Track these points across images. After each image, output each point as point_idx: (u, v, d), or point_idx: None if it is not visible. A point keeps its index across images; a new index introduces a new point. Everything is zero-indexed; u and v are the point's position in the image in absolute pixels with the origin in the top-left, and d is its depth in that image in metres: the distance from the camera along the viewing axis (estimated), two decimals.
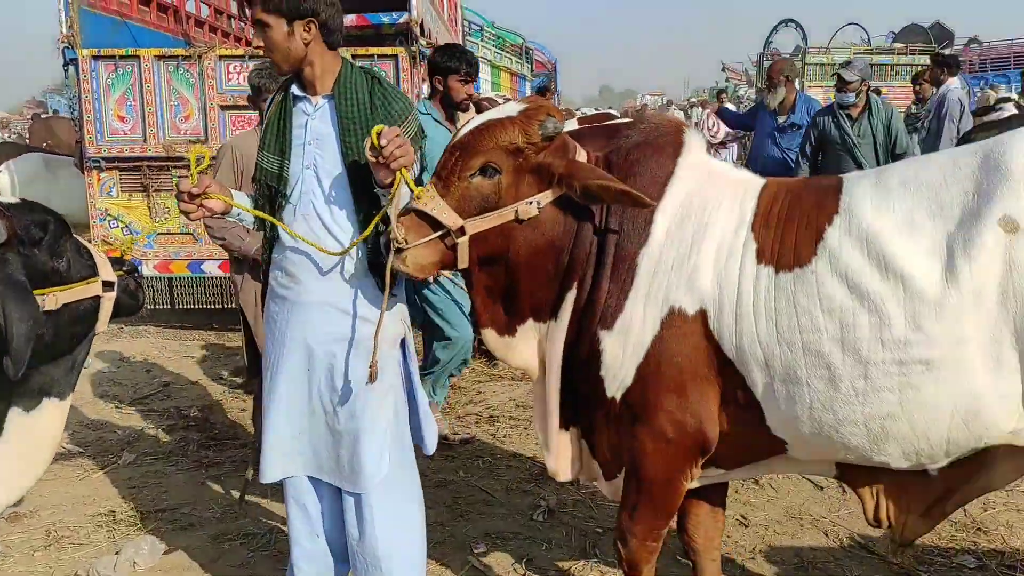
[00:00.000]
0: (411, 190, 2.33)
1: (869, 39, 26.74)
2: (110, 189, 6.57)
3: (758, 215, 2.33)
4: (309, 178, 2.53)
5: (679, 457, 2.39)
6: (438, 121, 4.51)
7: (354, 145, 2.45)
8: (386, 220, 2.37)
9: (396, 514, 2.63)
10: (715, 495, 2.72)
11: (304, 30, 2.43)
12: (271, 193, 2.57)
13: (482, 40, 13.89)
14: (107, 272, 2.33)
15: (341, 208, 2.52)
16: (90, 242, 2.79)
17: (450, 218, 2.32)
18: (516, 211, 2.36)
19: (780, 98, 6.73)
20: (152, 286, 6.79)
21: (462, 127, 2.48)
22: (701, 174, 2.44)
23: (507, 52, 15.28)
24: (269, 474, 2.64)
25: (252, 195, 2.68)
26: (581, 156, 2.46)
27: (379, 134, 2.25)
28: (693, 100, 24.67)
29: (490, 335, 2.53)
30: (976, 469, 2.27)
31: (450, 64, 4.46)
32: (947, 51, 25.58)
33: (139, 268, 2.56)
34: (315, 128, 2.53)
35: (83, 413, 5.22)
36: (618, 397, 2.40)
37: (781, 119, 6.77)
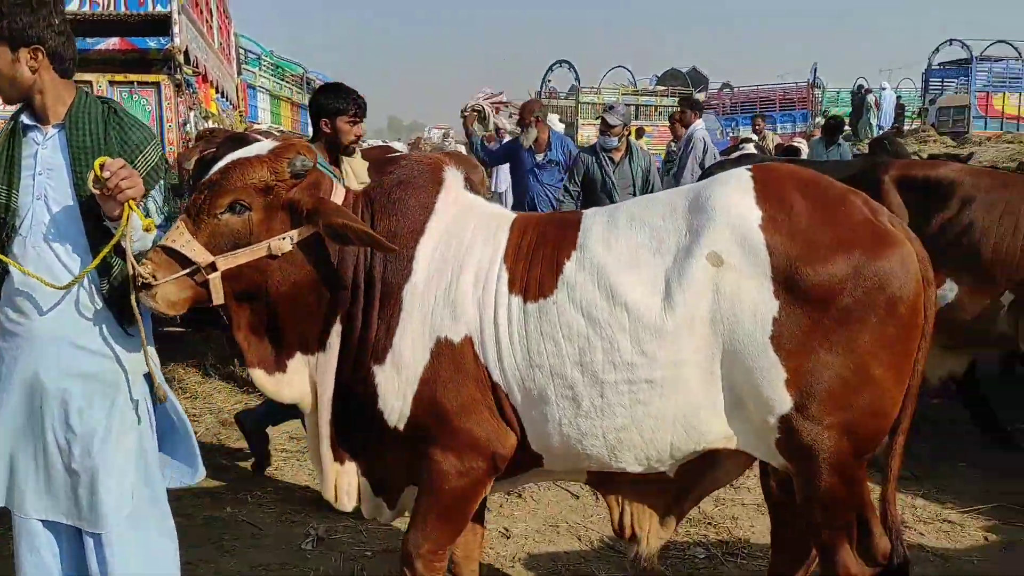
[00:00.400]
0: (141, 222, 2.33)
1: (635, 81, 28.87)
2: None
3: (509, 247, 2.51)
4: (40, 209, 2.44)
5: (476, 475, 2.51)
6: (323, 166, 4.28)
7: (85, 176, 2.40)
8: (119, 251, 2.35)
9: (145, 551, 2.57)
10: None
11: (30, 58, 2.38)
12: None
13: (260, 69, 13.62)
14: None
15: (73, 240, 2.45)
16: None
17: (199, 254, 2.34)
18: (268, 247, 2.40)
19: (533, 137, 7.08)
20: None
21: (219, 166, 2.48)
22: (459, 209, 2.59)
23: (287, 82, 15.07)
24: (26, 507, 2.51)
25: None
26: (338, 193, 2.55)
27: (102, 166, 2.25)
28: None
29: (259, 375, 2.53)
30: (705, 470, 2.58)
31: (338, 105, 4.17)
32: (702, 94, 28.07)
33: None
34: (45, 158, 2.46)
35: None
36: (401, 427, 2.50)
37: (539, 156, 7.11)
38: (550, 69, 26.75)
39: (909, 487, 4.26)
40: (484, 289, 2.47)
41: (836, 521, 2.44)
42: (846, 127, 15.17)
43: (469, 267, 2.48)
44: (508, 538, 3.83)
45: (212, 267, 2.35)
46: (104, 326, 2.49)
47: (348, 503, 2.67)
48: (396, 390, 2.48)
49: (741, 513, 4.07)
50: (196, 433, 2.73)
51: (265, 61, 14.13)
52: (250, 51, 13.42)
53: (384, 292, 2.48)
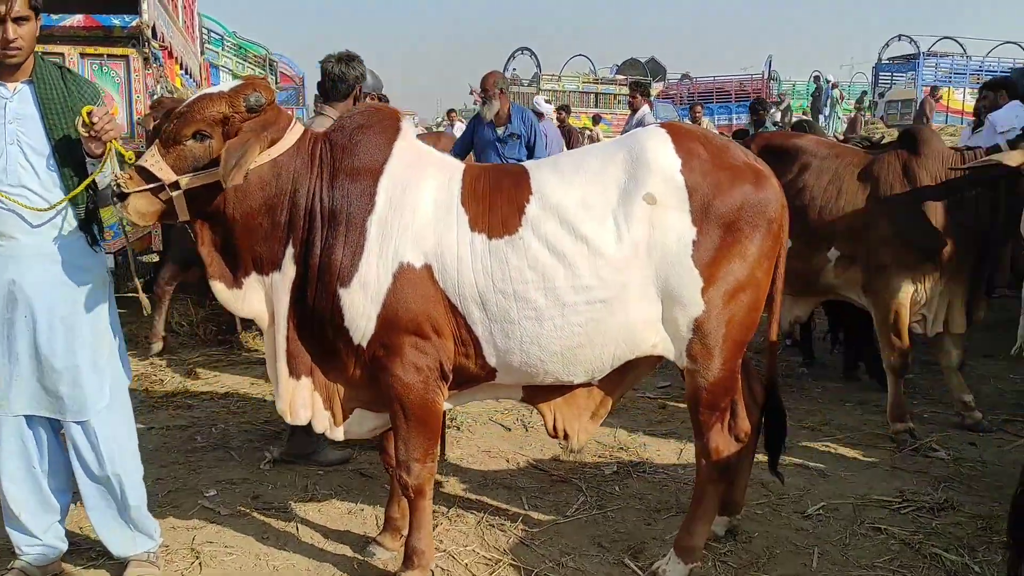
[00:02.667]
0: (121, 157, 2.81)
1: (595, 70, 29.44)
2: None
3: (465, 191, 2.89)
4: (14, 153, 2.85)
5: (430, 384, 2.90)
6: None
7: (57, 124, 2.86)
8: (94, 188, 2.86)
9: (118, 438, 3.07)
10: None
11: (39, 24, 2.85)
12: None
13: (222, 49, 13.90)
14: None
15: (49, 179, 2.89)
16: None
17: (164, 173, 2.70)
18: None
19: (495, 109, 6.95)
20: None
21: (188, 99, 2.87)
22: (414, 154, 2.95)
23: (250, 63, 15.33)
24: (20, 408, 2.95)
25: None
26: (296, 131, 2.89)
27: (89, 113, 2.75)
28: (440, 122, 25.68)
29: (220, 287, 2.88)
30: (624, 374, 3.09)
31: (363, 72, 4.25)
32: (660, 84, 28.71)
33: None
34: (15, 109, 2.87)
35: None
36: (364, 344, 2.86)
37: (500, 130, 6.99)
38: (512, 56, 27.24)
39: (803, 421, 4.86)
40: (444, 225, 2.83)
41: (718, 405, 2.99)
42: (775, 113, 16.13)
43: (426, 202, 2.84)
44: (444, 461, 4.33)
45: (176, 185, 2.71)
46: (79, 244, 2.96)
47: (302, 416, 3.00)
48: (362, 311, 2.82)
49: (650, 441, 4.63)
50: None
51: (228, 42, 14.40)
52: (213, 31, 13.69)
53: (348, 223, 2.81)
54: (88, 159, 2.87)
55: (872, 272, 4.60)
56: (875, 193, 4.58)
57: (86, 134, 2.78)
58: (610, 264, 2.81)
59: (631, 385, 3.27)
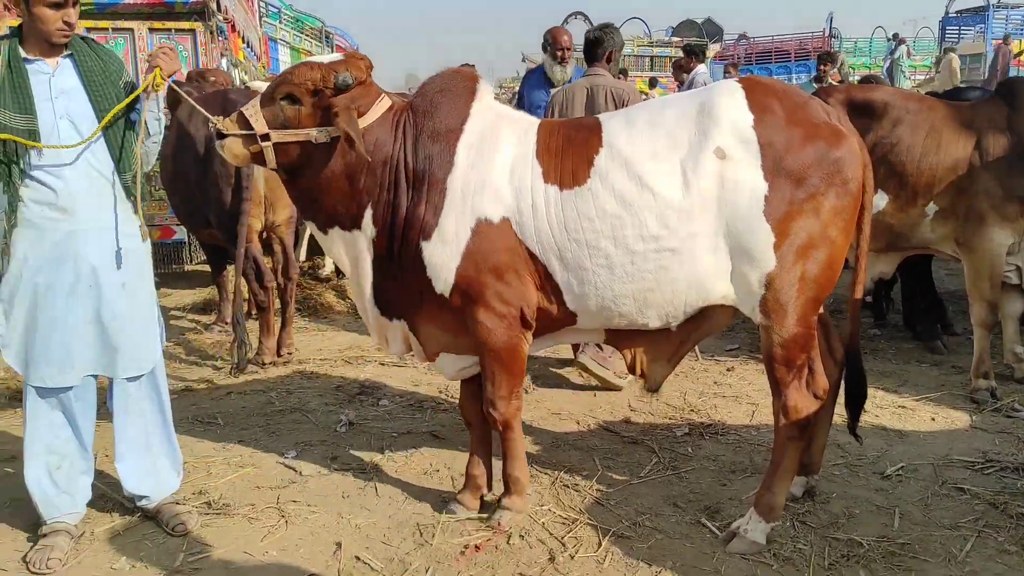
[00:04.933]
0: (155, 84, 3.02)
1: (650, 33, 28.94)
2: None
3: (539, 146, 3.04)
4: (65, 128, 2.99)
5: (512, 328, 3.08)
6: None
7: (101, 92, 3.03)
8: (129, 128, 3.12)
9: (165, 387, 3.34)
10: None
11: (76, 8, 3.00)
12: (16, 147, 2.91)
13: (280, 22, 14.04)
14: None
15: (100, 145, 3.05)
16: None
17: (259, 124, 2.96)
18: (309, 134, 2.97)
19: (570, 72, 6.18)
20: None
21: (294, 65, 3.12)
22: (491, 114, 3.11)
23: (306, 35, 15.47)
24: (65, 379, 3.07)
25: None
26: (383, 104, 3.08)
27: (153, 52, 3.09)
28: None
29: (313, 228, 3.22)
30: (700, 322, 3.15)
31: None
32: (717, 45, 28.12)
33: None
34: (59, 84, 3.01)
35: None
36: (447, 293, 3.06)
37: None
38: (565, 21, 26.87)
39: (879, 382, 4.78)
40: (520, 179, 2.99)
41: (794, 362, 2.99)
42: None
43: (504, 161, 3.01)
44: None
45: (266, 137, 2.96)
46: (127, 213, 3.13)
47: (395, 349, 3.35)
48: (443, 261, 3.02)
49: (721, 403, 4.61)
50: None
51: (285, 15, 14.53)
52: (271, 4, 13.82)
53: (430, 183, 3.02)
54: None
55: (969, 225, 4.52)
56: (979, 146, 4.49)
57: (147, 65, 3.07)
58: (677, 214, 2.88)
59: (708, 333, 3.29)
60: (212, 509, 3.45)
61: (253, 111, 2.98)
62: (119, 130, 3.08)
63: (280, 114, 2.97)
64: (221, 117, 3.06)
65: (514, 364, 3.16)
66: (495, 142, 3.03)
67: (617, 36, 5.06)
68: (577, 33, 6.67)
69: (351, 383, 5.03)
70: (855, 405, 3.28)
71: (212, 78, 5.84)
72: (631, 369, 3.31)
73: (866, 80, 7.42)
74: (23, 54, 2.98)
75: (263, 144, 2.96)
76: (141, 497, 3.31)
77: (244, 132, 2.98)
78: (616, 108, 4.64)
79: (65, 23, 2.91)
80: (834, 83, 11.73)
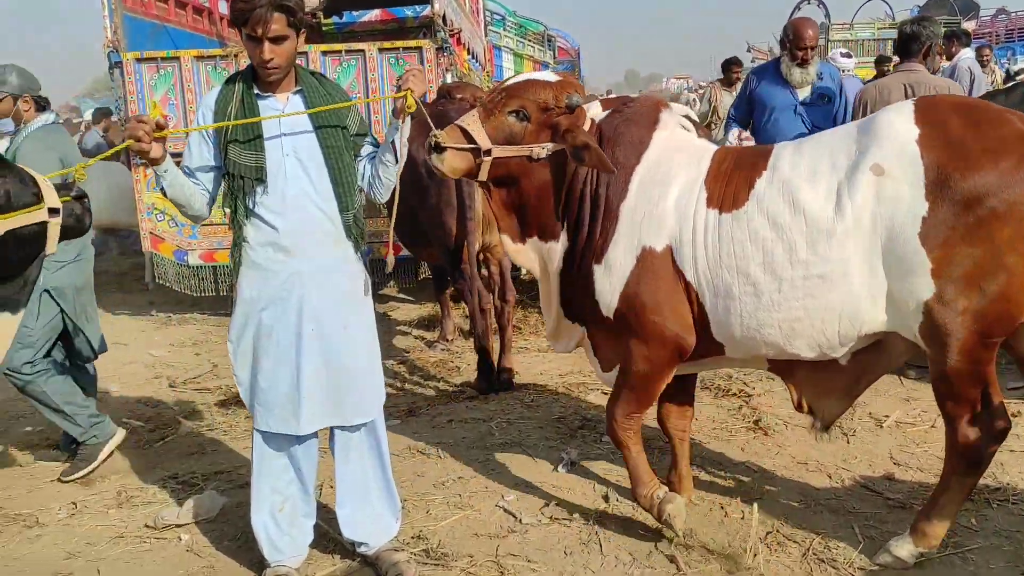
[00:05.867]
0: (418, 105, 2.87)
1: (893, 14, 26.57)
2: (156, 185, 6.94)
3: (710, 172, 3.01)
4: (291, 164, 2.90)
5: (662, 360, 3.11)
6: None
7: (328, 130, 2.93)
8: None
9: (384, 432, 3.22)
10: (680, 395, 3.52)
11: (301, 40, 2.89)
12: (243, 185, 2.88)
13: (504, 29, 14.16)
14: (52, 199, 2.49)
15: (324, 184, 2.93)
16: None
17: (482, 139, 3.01)
18: (531, 150, 3.05)
19: (813, 75, 5.39)
20: (198, 274, 7.19)
21: (517, 78, 3.24)
22: (670, 143, 3.12)
23: (529, 40, 15.53)
24: (287, 427, 3.00)
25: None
26: (587, 123, 3.12)
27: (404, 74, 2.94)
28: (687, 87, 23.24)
29: (506, 239, 3.30)
30: (875, 355, 2.98)
31: None
32: (972, 22, 25.37)
33: (85, 195, 2.71)
34: (288, 121, 2.91)
35: (141, 393, 5.63)
36: (610, 316, 3.12)
37: (803, 93, 5.46)
38: (797, 7, 25.29)
39: None
40: (685, 205, 2.97)
41: (962, 396, 2.80)
42: None
43: (673, 188, 3.00)
44: (755, 472, 3.90)
45: (487, 152, 3.00)
46: (350, 251, 3.04)
47: (563, 346, 3.51)
48: (608, 287, 3.08)
49: (1009, 459, 3.86)
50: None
51: (509, 21, 14.65)
52: (495, 13, 13.96)
53: (606, 208, 3.08)
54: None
55: None
56: None
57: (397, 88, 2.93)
58: (828, 239, 2.77)
59: (888, 367, 3.08)
60: (430, 559, 3.28)
61: (474, 125, 3.01)
62: (343, 167, 2.97)
63: (504, 128, 3.03)
64: (442, 131, 3.06)
65: (646, 395, 3.21)
66: (668, 171, 3.03)
67: (936, 28, 4.77)
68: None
69: (572, 415, 4.75)
70: None
71: (459, 95, 5.72)
72: (797, 405, 3.19)
73: None
74: (256, 91, 2.94)
75: (485, 159, 3.01)
76: (360, 544, 3.20)
77: (467, 146, 3.01)
78: None
79: (261, 59, 2.81)
80: None
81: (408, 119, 2.92)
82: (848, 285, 2.76)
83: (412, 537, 3.44)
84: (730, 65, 10.55)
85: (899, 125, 2.74)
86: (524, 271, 7.26)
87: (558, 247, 3.21)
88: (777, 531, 3.34)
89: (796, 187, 2.81)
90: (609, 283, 3.06)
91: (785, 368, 3.13)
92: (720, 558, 3.16)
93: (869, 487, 3.71)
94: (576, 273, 3.18)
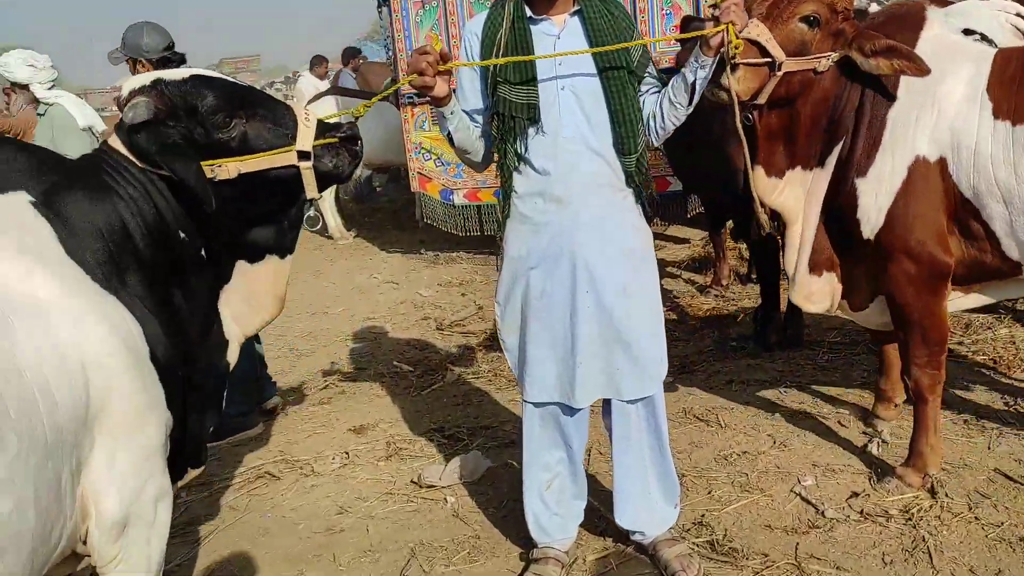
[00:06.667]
0: (733, 44, 2.41)
1: None
2: (423, 123, 6.92)
3: (992, 78, 2.72)
4: (567, 100, 2.48)
5: (926, 283, 2.86)
6: None
7: (610, 59, 2.46)
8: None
9: (663, 407, 2.77)
10: None
11: None
12: (514, 126, 2.50)
13: None
14: (305, 142, 2.22)
15: (603, 123, 2.50)
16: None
17: (776, 50, 2.64)
18: (820, 62, 2.74)
19: None
20: (463, 214, 7.14)
21: None
22: (939, 45, 2.82)
23: None
24: (562, 399, 2.67)
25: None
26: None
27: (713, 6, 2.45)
28: None
29: (759, 172, 2.92)
30: None
31: None
32: None
33: (357, 135, 2.34)
34: (564, 48, 2.47)
35: (410, 335, 5.64)
36: (872, 237, 2.89)
37: None
38: None
39: None
40: (965, 115, 2.73)
41: None
42: None
43: (949, 95, 2.76)
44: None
45: (780, 66, 2.65)
46: (630, 201, 2.62)
47: (817, 307, 3.15)
48: (874, 202, 2.86)
49: None
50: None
51: None
52: None
53: (871, 117, 2.85)
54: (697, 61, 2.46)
55: None
56: None
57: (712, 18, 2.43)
58: None
59: None
60: (716, 553, 2.84)
61: (766, 36, 2.62)
62: (626, 104, 2.51)
63: (794, 37, 2.70)
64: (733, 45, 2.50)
65: (930, 326, 2.92)
66: (941, 75, 2.74)
67: None
68: None
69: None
70: None
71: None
72: None
73: None
74: (528, 12, 2.53)
75: (778, 73, 2.67)
76: (634, 532, 2.83)
77: (761, 61, 2.64)
78: None
79: None
80: None
81: (714, 59, 2.44)
82: None
83: (694, 523, 3.02)
84: None
85: None
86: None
87: (824, 174, 2.94)
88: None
89: None
90: (876, 197, 2.84)
91: None
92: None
93: None
94: (833, 198, 2.93)
